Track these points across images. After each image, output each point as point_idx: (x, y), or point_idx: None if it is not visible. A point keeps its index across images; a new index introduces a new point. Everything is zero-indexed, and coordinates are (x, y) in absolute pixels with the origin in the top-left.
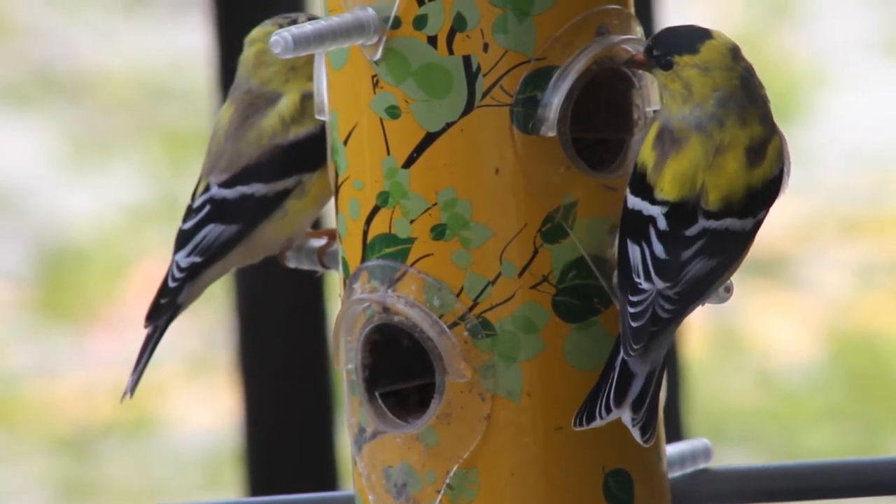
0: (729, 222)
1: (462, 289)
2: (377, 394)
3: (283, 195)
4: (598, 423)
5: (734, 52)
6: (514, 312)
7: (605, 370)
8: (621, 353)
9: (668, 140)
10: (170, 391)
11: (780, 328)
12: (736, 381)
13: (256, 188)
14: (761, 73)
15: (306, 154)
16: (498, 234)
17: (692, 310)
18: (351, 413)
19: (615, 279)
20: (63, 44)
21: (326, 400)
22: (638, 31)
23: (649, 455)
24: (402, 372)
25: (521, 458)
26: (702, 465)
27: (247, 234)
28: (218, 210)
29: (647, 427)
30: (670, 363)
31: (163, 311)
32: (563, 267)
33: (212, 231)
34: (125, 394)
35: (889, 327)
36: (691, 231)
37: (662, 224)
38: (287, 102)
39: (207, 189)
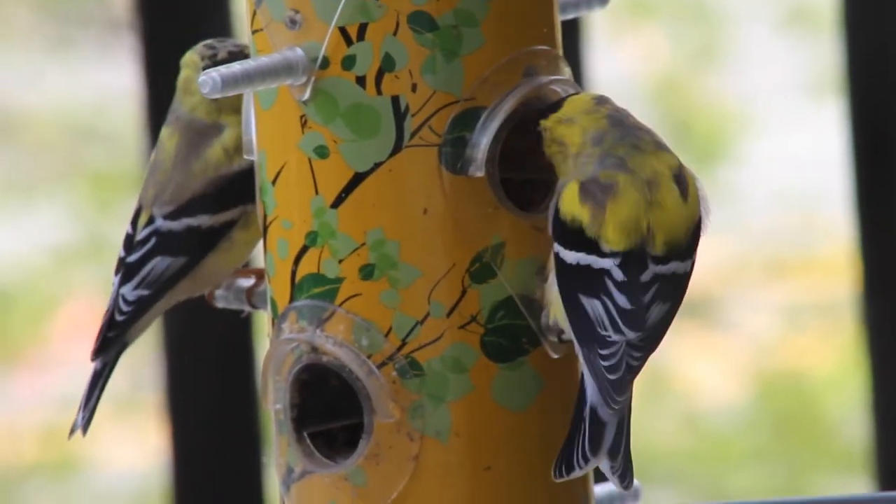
0: (674, 266)
1: (391, 329)
2: (305, 434)
3: (229, 226)
4: (577, 473)
5: (598, 99)
6: (443, 353)
7: (574, 421)
8: (588, 403)
9: (597, 189)
10: (96, 431)
11: (707, 369)
12: (662, 421)
13: (202, 220)
14: (687, 116)
15: (251, 184)
16: (426, 274)
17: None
18: (279, 453)
19: (543, 320)
20: None
21: (255, 440)
22: (566, 71)
23: (578, 496)
24: (331, 412)
25: (450, 498)
26: None
27: (194, 265)
28: (164, 242)
29: (626, 474)
30: None
31: (112, 345)
32: (492, 307)
33: (159, 264)
34: (73, 431)
35: (814, 368)
36: (644, 277)
37: (619, 275)
38: (230, 134)
39: (151, 221)
